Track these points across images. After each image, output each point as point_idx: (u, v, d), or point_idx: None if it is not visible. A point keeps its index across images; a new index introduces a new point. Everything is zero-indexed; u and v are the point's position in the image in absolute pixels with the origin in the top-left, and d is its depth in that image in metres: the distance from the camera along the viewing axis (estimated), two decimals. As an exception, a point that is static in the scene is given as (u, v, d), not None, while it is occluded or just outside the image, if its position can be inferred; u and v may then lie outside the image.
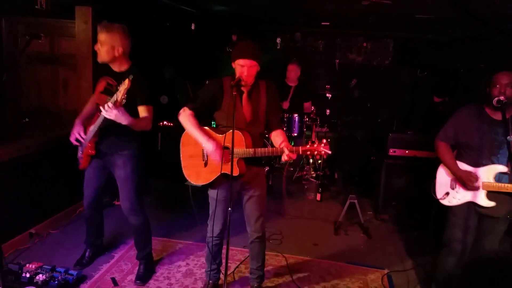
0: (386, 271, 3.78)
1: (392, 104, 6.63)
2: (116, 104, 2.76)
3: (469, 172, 2.95)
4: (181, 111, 2.93)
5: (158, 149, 5.74)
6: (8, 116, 4.68)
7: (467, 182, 2.94)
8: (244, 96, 2.84)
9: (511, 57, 3.95)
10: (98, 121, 3.04)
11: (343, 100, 6.35)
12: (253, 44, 2.73)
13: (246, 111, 2.84)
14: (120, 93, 2.71)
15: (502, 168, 2.87)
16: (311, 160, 6.00)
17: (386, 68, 6.71)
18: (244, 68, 2.68)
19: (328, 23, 5.92)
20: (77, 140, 3.24)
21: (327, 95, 5.63)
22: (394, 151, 4.79)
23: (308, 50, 6.88)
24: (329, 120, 5.88)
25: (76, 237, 3.91)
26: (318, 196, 5.45)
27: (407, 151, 4.77)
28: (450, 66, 5.74)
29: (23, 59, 4.76)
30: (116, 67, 3.14)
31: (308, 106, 5.85)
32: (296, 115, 5.37)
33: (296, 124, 5.38)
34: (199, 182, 3.00)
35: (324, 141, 2.59)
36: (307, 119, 5.61)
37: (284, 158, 2.64)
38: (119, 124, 2.87)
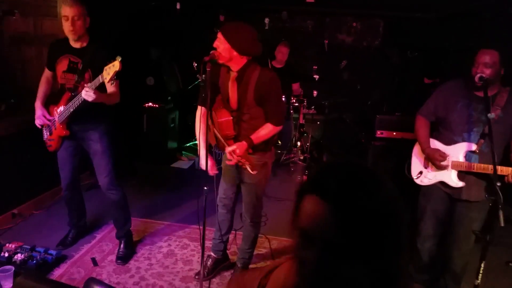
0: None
1: (382, 86, 6.56)
2: (96, 89, 2.72)
3: (437, 150, 2.87)
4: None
5: (143, 131, 5.69)
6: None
7: (434, 160, 2.86)
8: (232, 78, 2.75)
9: (499, 33, 3.88)
10: (73, 103, 2.96)
11: (332, 82, 6.29)
12: (231, 23, 2.65)
13: (232, 95, 2.78)
14: (109, 76, 2.62)
15: (471, 146, 2.76)
16: (298, 143, 5.96)
17: (376, 48, 6.64)
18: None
19: (314, 0, 5.80)
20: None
21: (315, 76, 5.56)
22: (382, 133, 4.75)
23: (296, 30, 6.79)
24: (317, 102, 5.82)
25: (60, 218, 3.88)
26: (305, 179, 5.40)
27: (394, 133, 4.73)
28: (440, 46, 5.67)
29: (7, 40, 4.67)
30: (77, 43, 3.05)
31: (297, 88, 5.79)
32: (283, 96, 5.31)
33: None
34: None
35: (252, 159, 2.55)
36: (294, 100, 5.55)
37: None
38: (90, 103, 2.82)
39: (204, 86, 2.62)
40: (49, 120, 3.18)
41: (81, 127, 3.19)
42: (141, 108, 5.71)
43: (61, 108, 3.08)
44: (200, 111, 2.92)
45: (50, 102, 3.23)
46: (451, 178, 2.84)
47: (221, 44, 2.59)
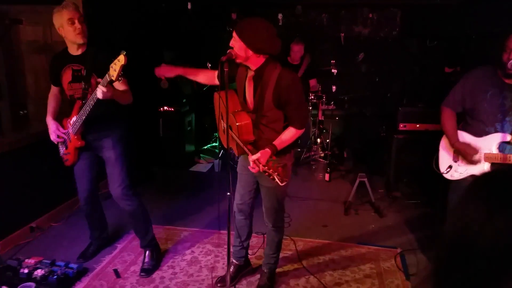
0: (398, 250, 3.60)
1: (402, 77, 6.36)
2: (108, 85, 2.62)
3: (467, 144, 2.71)
4: None
5: (160, 136, 5.61)
6: (5, 108, 4.58)
7: (466, 155, 2.70)
8: (248, 77, 2.61)
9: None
10: (85, 110, 2.85)
11: (350, 76, 6.11)
12: (246, 19, 2.50)
13: (249, 95, 2.64)
14: (116, 72, 2.50)
15: (506, 137, 2.59)
16: (318, 140, 5.80)
17: (394, 39, 6.41)
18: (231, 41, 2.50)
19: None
20: (58, 137, 3.11)
21: (333, 71, 5.40)
22: (405, 126, 4.59)
23: (311, 25, 6.60)
24: (336, 97, 5.65)
25: (79, 229, 3.81)
26: (327, 176, 5.27)
27: (418, 125, 4.56)
28: (461, 33, 5.44)
29: (19, 49, 4.63)
30: (75, 50, 2.96)
31: (314, 84, 5.64)
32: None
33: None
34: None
35: (280, 169, 2.28)
36: (312, 97, 5.40)
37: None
38: (103, 108, 2.73)
39: (222, 86, 2.49)
40: (64, 133, 3.10)
41: (96, 136, 3.10)
42: (157, 112, 5.63)
43: (74, 119, 2.99)
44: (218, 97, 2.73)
45: (62, 116, 3.15)
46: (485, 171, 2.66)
47: (236, 43, 2.46)
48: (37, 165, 3.95)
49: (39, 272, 3.03)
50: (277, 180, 2.25)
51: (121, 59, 2.47)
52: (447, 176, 2.86)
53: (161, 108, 5.63)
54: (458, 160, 2.80)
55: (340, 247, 3.67)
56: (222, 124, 2.81)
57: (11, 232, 3.66)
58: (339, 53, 6.31)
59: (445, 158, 2.90)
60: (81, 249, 3.52)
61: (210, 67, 5.78)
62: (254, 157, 2.38)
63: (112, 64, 2.53)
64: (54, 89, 3.21)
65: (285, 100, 2.51)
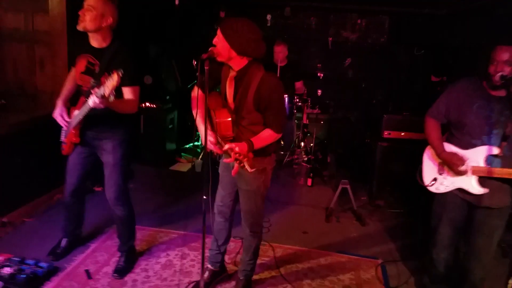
0: (379, 261, 3.57)
1: (388, 84, 6.36)
2: (103, 98, 2.47)
3: (454, 154, 2.65)
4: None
5: (141, 132, 5.48)
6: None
7: (452, 165, 2.65)
8: (230, 76, 2.53)
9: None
10: (83, 110, 2.71)
11: (336, 80, 6.08)
12: (233, 19, 2.41)
13: (229, 95, 2.56)
14: (108, 89, 2.38)
15: (493, 150, 2.54)
16: (302, 144, 5.75)
17: (381, 46, 6.41)
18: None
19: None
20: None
21: (319, 74, 5.35)
22: (389, 133, 4.57)
23: (299, 27, 6.56)
24: (321, 101, 5.61)
25: (53, 225, 3.67)
26: (309, 181, 5.21)
27: (402, 133, 4.56)
28: (449, 43, 5.47)
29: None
30: (96, 42, 2.81)
31: (300, 86, 5.58)
32: (286, 96, 5.10)
33: (286, 106, 5.11)
34: None
35: (251, 155, 2.26)
36: (297, 99, 5.34)
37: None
38: (106, 108, 2.58)
39: (202, 84, 2.39)
40: (66, 121, 2.96)
41: (96, 135, 2.97)
42: (138, 108, 5.49)
43: (76, 112, 2.85)
44: (197, 91, 2.65)
45: (73, 103, 3.02)
46: (472, 185, 2.62)
47: (219, 41, 2.38)
48: (13, 157, 3.80)
49: (7, 270, 2.91)
50: (246, 166, 2.19)
51: (114, 79, 2.36)
52: (432, 189, 2.81)
53: (143, 104, 5.50)
54: (443, 172, 2.76)
55: (319, 255, 3.61)
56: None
57: (-20, 226, 3.51)
58: (326, 57, 6.29)
59: (429, 170, 2.85)
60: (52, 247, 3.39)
61: (195, 64, 5.68)
62: (228, 146, 2.32)
63: (107, 80, 2.40)
64: (73, 71, 3.04)
65: (265, 105, 2.46)
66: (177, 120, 6.05)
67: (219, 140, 2.54)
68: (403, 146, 4.52)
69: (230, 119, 2.55)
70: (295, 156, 5.74)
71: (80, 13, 2.71)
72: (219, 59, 2.40)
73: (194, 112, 2.67)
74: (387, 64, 6.35)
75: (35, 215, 4.00)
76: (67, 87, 3.05)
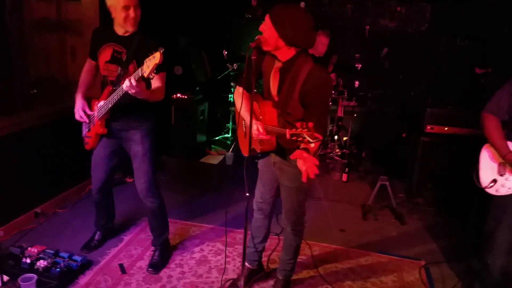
0: (423, 262, 3.38)
1: (427, 76, 6.06)
2: (139, 80, 2.40)
3: None
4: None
5: (171, 124, 5.40)
6: (15, 87, 4.40)
7: None
8: (275, 68, 2.37)
9: None
10: (113, 98, 2.66)
11: (373, 71, 5.82)
12: (283, 5, 2.22)
13: (273, 87, 2.41)
14: (149, 69, 2.30)
15: None
16: (336, 137, 5.56)
17: (422, 35, 6.09)
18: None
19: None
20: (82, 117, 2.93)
21: (356, 65, 5.13)
22: (432, 128, 4.34)
23: (335, 15, 6.30)
24: (358, 93, 5.38)
25: (85, 217, 3.64)
26: (344, 177, 5.03)
27: (446, 128, 4.32)
28: (496, 32, 5.13)
29: (29, 26, 4.43)
30: (121, 30, 2.72)
31: (333, 79, 5.38)
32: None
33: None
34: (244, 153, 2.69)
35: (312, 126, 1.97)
36: (333, 92, 5.14)
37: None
38: (134, 97, 2.50)
39: (248, 76, 2.26)
40: (88, 115, 2.90)
41: (122, 126, 2.89)
42: (169, 99, 5.40)
43: (102, 103, 2.79)
44: (239, 90, 2.52)
45: (93, 95, 2.95)
46: None
47: (267, 29, 2.22)
48: (46, 147, 3.77)
49: (41, 263, 2.87)
50: (308, 138, 1.93)
51: (156, 57, 2.27)
52: (491, 191, 2.60)
53: (174, 95, 5.40)
54: (504, 174, 2.55)
55: (359, 255, 3.45)
56: (244, 124, 2.60)
57: (15, 217, 3.49)
58: (362, 47, 6.02)
59: (488, 170, 2.64)
60: (86, 239, 3.34)
61: (226, 54, 5.55)
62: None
63: (146, 59, 2.32)
64: (90, 63, 2.99)
65: (310, 101, 2.26)
66: (208, 111, 5.94)
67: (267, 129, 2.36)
68: (447, 141, 4.29)
69: (274, 111, 2.39)
70: (329, 150, 5.55)
71: (133, 16, 2.64)
72: (265, 48, 2.25)
73: (237, 103, 2.51)
74: (427, 55, 6.04)
75: (68, 206, 3.98)
76: (84, 80, 2.99)
